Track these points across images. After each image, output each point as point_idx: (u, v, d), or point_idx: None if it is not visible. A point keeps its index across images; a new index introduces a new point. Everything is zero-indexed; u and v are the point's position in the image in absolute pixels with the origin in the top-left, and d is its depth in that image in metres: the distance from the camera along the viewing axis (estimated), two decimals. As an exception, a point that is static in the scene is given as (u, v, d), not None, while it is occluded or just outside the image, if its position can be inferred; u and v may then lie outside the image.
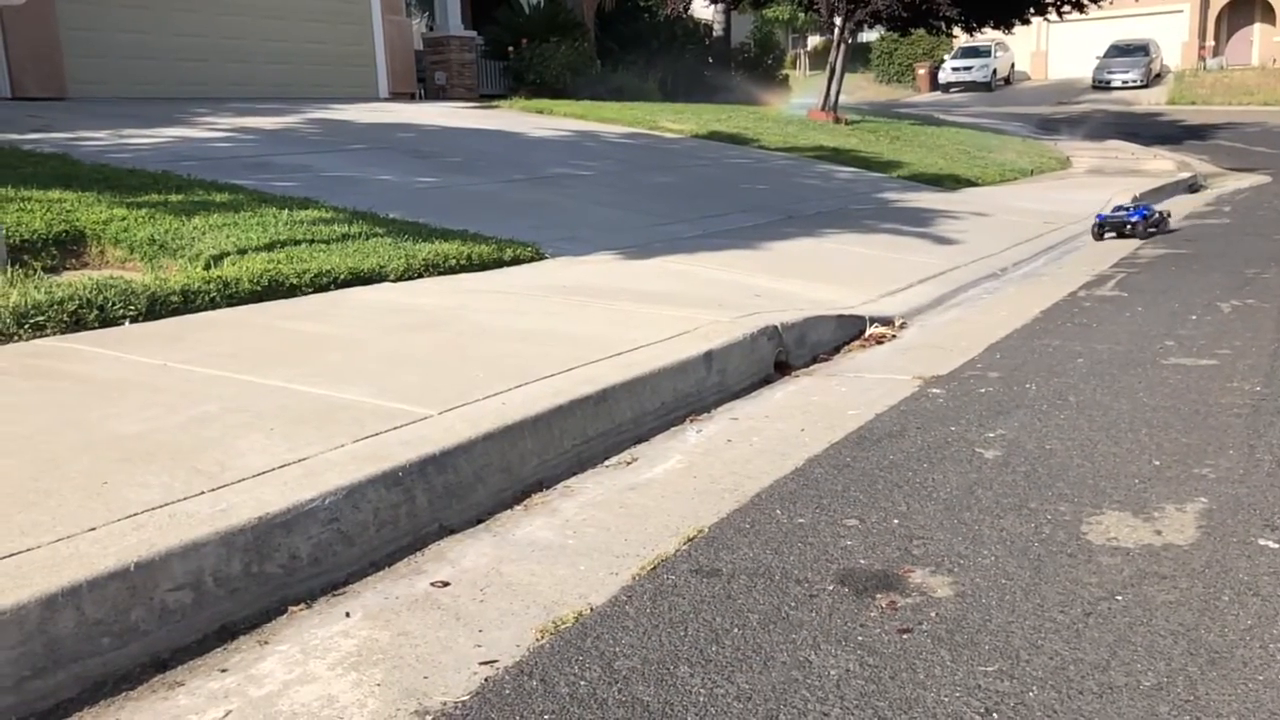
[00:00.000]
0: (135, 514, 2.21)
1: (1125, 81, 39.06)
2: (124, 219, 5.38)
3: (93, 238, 5.15)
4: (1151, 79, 39.35)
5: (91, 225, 5.22)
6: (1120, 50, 40.53)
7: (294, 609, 2.25)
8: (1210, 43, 42.86)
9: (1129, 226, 8.35)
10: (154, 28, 13.10)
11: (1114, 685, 1.94)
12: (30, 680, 1.84)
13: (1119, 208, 8.80)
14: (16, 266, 4.52)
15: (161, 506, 2.26)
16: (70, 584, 1.91)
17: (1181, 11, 42.78)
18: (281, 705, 1.91)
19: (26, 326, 3.81)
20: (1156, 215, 8.71)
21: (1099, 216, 8.60)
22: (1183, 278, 6.65)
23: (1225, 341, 4.77)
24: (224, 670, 2.02)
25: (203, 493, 2.34)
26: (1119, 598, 2.28)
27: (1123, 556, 2.49)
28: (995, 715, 1.85)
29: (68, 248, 5.05)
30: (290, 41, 14.77)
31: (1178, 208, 11.42)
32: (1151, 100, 35.57)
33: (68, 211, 5.39)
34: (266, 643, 2.13)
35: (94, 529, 2.13)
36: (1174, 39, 42.37)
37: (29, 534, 2.10)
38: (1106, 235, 8.42)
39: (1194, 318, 5.35)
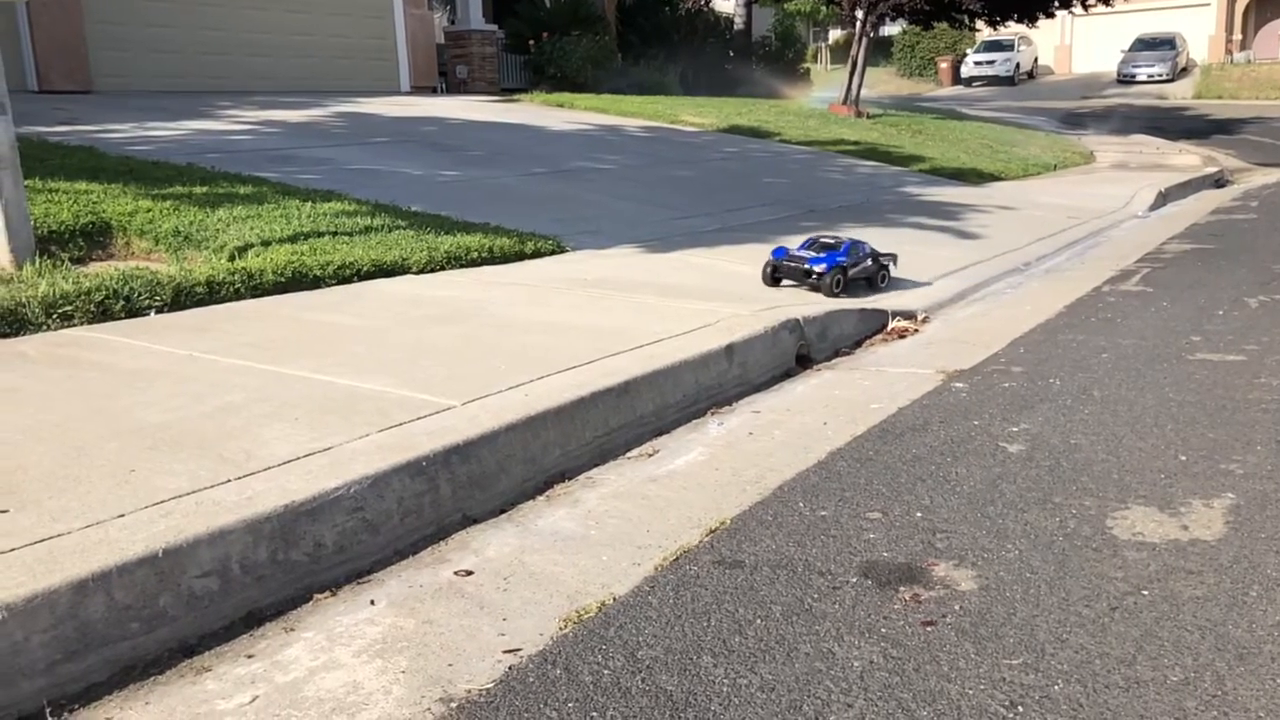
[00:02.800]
0: (163, 501, 2.24)
1: (1151, 75, 38.63)
2: (149, 211, 5.43)
3: (119, 229, 5.20)
4: (1177, 73, 38.90)
5: (117, 217, 5.28)
6: (1146, 44, 40.08)
7: (319, 596, 2.27)
8: (1238, 36, 42.34)
9: (814, 276, 5.18)
10: (179, 21, 13.19)
11: (1140, 680, 1.93)
12: (62, 664, 1.86)
13: (811, 242, 5.42)
14: (44, 257, 4.57)
15: (188, 494, 2.28)
16: (100, 569, 1.93)
17: (1208, 5, 42.27)
18: (307, 691, 1.92)
19: (54, 316, 3.86)
20: (870, 263, 5.42)
21: (776, 253, 5.38)
22: (1209, 273, 6.59)
23: (1252, 337, 4.72)
24: (250, 656, 2.04)
25: (229, 481, 2.37)
26: (1145, 592, 2.26)
27: (1149, 551, 2.47)
28: (1020, 708, 1.85)
29: (94, 239, 5.11)
30: (313, 35, 14.84)
31: (1204, 203, 11.32)
32: (1178, 94, 35.17)
33: (94, 203, 5.44)
34: (292, 630, 2.14)
35: (122, 515, 2.15)
36: (1200, 32, 41.89)
37: (59, 520, 2.13)
38: (784, 283, 5.33)
39: (1220, 313, 5.30)
